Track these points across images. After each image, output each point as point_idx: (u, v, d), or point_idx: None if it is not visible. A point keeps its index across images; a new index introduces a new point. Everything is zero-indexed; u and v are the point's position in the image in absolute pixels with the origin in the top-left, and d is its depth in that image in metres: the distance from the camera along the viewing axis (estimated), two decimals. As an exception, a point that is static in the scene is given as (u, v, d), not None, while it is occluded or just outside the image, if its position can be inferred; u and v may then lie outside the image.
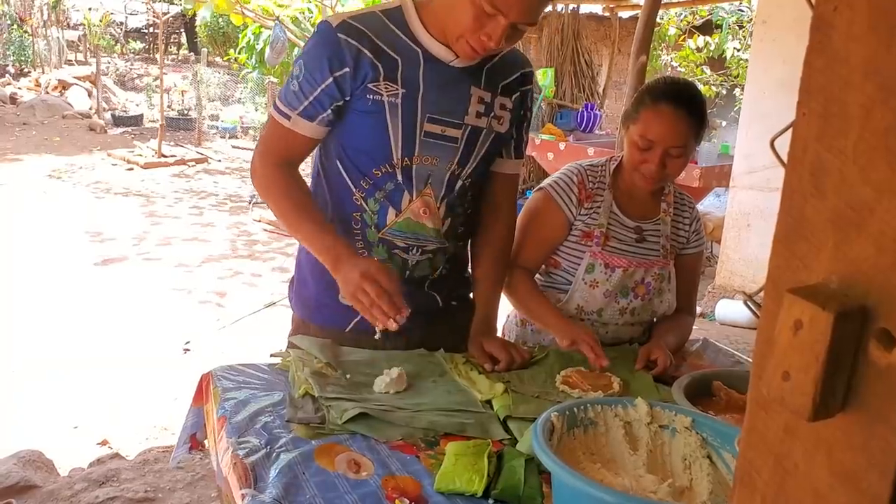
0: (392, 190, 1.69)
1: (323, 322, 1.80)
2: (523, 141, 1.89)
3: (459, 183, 1.75)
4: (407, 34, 1.64)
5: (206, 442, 1.65)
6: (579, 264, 1.94)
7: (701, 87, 10.05)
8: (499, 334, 2.21)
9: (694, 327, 2.13)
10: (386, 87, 1.62)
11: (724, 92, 10.42)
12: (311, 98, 1.62)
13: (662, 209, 2.01)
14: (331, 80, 1.60)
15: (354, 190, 1.71)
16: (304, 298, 1.86)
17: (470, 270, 1.94)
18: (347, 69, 1.59)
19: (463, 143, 1.71)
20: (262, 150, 1.71)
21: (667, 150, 1.83)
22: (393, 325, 1.55)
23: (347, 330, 1.77)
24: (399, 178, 1.68)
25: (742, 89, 9.46)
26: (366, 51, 1.59)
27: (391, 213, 1.71)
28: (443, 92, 1.66)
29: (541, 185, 2.02)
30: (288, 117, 1.65)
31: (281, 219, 1.73)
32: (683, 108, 1.82)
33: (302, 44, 9.15)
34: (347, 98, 1.63)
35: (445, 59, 1.65)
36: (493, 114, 1.74)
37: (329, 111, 1.64)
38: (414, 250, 1.75)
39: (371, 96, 1.62)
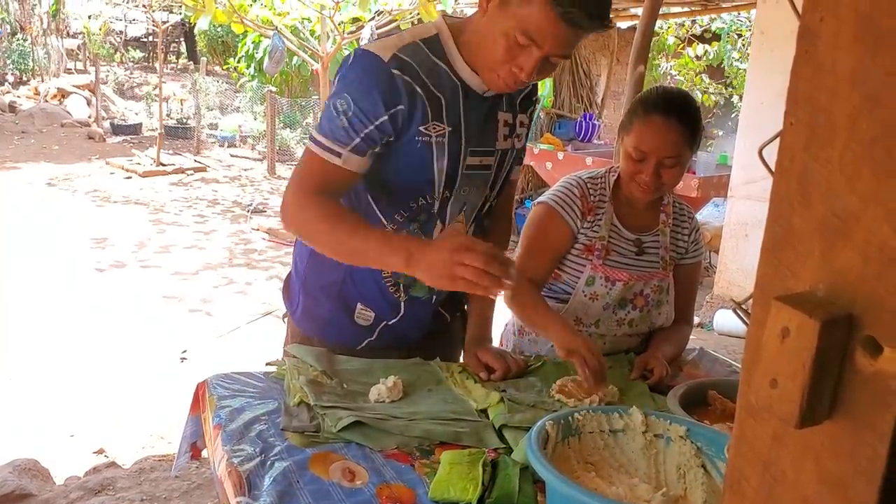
0: (426, 221, 1.68)
1: (335, 340, 1.79)
2: (525, 147, 1.90)
3: (488, 204, 1.79)
4: (448, 66, 1.58)
5: (205, 451, 1.65)
6: (579, 277, 1.94)
7: (700, 95, 10.07)
8: (496, 343, 2.22)
9: (692, 337, 2.13)
10: (434, 128, 1.57)
11: (723, 101, 10.43)
12: (362, 134, 1.53)
13: (661, 220, 2.01)
14: (385, 117, 1.52)
15: (387, 223, 1.68)
16: (314, 317, 1.82)
17: None
18: (402, 107, 1.52)
19: (495, 167, 1.73)
20: (300, 187, 1.57)
21: (660, 161, 1.83)
22: (508, 285, 1.41)
23: (359, 349, 1.78)
24: (435, 209, 1.67)
25: (740, 98, 9.49)
26: (419, 90, 1.54)
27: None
28: (479, 124, 1.65)
29: (541, 198, 2.01)
30: (338, 154, 1.53)
31: (333, 246, 1.57)
32: (675, 119, 1.82)
33: (302, 53, 9.19)
34: (397, 135, 1.57)
35: (480, 89, 1.62)
36: (515, 133, 1.76)
37: (380, 146, 1.57)
38: None
39: (420, 138, 1.57)
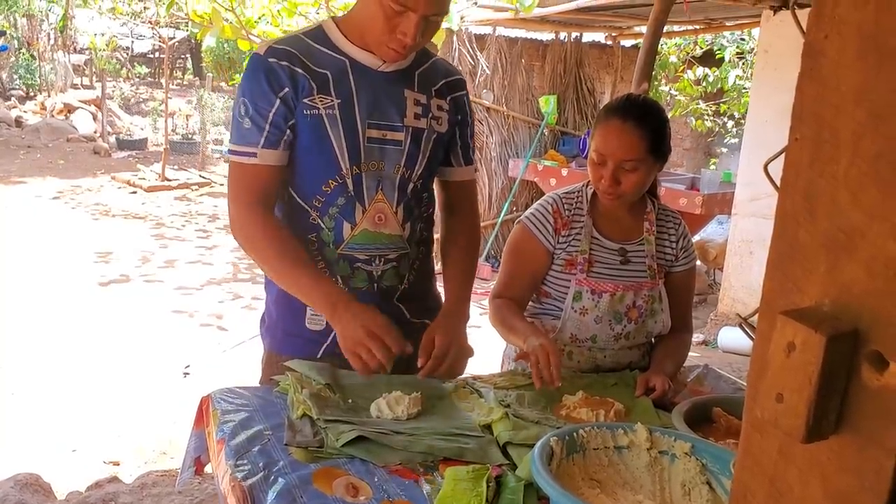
0: (344, 204, 1.74)
1: (293, 352, 1.79)
2: (469, 147, 1.95)
3: (411, 185, 1.80)
4: (331, 48, 1.72)
5: (208, 466, 1.65)
6: (566, 293, 1.94)
7: (693, 121, 10.10)
8: (498, 361, 2.20)
9: (696, 355, 2.12)
10: (321, 100, 1.68)
11: (721, 123, 10.42)
12: (267, 126, 1.67)
13: (645, 228, 1.99)
14: (278, 101, 1.67)
15: (310, 210, 1.75)
16: (271, 330, 1.87)
17: (440, 284, 1.95)
18: (287, 88, 1.66)
19: (407, 144, 1.77)
20: (236, 199, 1.72)
21: (619, 165, 1.83)
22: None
23: (318, 357, 1.77)
24: (350, 189, 1.73)
25: (737, 119, 9.50)
26: (297, 68, 1.67)
27: (346, 227, 1.74)
28: (377, 97, 1.73)
29: (519, 218, 2.03)
30: (254, 154, 1.69)
31: (266, 266, 1.74)
32: (632, 122, 1.82)
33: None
34: (293, 117, 1.69)
35: (373, 65, 1.73)
36: (431, 115, 1.81)
37: (287, 131, 1.69)
38: (377, 261, 1.78)
39: (308, 111, 1.68)
